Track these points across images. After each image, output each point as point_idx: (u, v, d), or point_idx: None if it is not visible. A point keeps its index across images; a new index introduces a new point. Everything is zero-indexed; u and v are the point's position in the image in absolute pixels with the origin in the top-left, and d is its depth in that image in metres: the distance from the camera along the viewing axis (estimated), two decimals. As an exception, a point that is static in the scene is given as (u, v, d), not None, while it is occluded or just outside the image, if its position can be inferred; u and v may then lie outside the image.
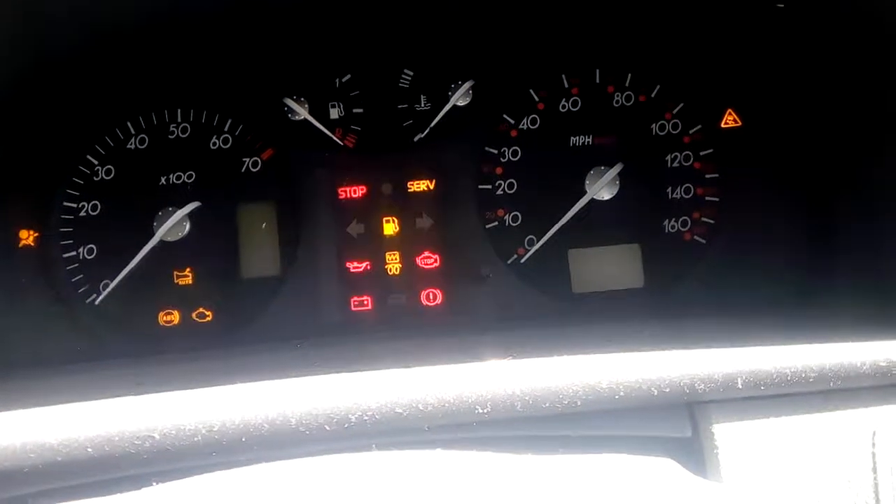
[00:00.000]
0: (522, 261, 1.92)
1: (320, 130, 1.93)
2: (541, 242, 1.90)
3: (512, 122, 1.95)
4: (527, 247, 1.92)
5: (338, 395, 1.21)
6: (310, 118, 1.92)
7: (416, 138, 1.95)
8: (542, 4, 1.83)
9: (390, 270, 1.91)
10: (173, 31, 1.78)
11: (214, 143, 1.93)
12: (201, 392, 1.24)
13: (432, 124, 1.93)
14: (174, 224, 1.85)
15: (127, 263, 1.84)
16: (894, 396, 1.27)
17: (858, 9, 1.52)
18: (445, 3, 1.85)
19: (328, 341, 1.80)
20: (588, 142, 1.94)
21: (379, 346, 1.73)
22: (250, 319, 1.87)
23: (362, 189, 1.92)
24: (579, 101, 1.95)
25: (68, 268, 1.87)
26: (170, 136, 1.92)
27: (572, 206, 1.88)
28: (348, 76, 1.95)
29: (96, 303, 1.86)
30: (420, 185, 1.93)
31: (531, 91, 1.95)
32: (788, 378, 1.24)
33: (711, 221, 1.92)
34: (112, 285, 1.85)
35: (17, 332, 1.79)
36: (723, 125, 1.92)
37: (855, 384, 1.26)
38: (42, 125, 1.85)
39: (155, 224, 1.86)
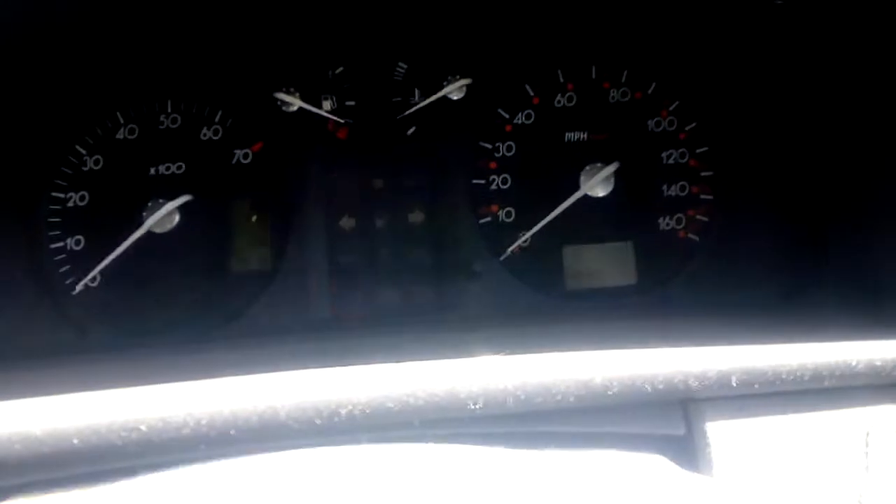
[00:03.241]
0: (515, 257, 1.91)
1: (312, 123, 1.91)
2: (530, 233, 1.89)
3: (507, 116, 1.93)
4: (520, 243, 1.91)
5: (327, 389, 1.19)
6: (306, 105, 1.90)
7: (409, 131, 1.93)
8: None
9: (382, 265, 1.90)
10: (165, 20, 1.76)
11: (205, 135, 1.91)
12: (189, 384, 1.23)
13: (414, 109, 1.91)
14: (163, 216, 1.83)
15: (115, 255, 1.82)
16: (888, 396, 1.27)
17: (860, 9, 1.52)
18: (440, -3, 1.85)
19: (318, 335, 1.79)
20: (583, 138, 1.93)
21: (369, 340, 1.72)
22: (240, 313, 1.85)
23: (354, 183, 1.91)
24: (574, 96, 1.94)
25: (55, 258, 1.85)
26: (160, 127, 1.89)
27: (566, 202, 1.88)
28: (341, 68, 1.93)
29: (83, 293, 1.84)
30: (413, 180, 1.91)
31: (526, 86, 1.94)
32: (782, 376, 1.24)
33: (705, 219, 1.92)
34: (97, 274, 1.82)
35: (2, 323, 1.77)
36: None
37: (849, 383, 1.26)
38: (30, 114, 1.83)
39: (144, 215, 1.83)
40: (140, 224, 1.82)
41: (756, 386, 1.24)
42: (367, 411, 1.18)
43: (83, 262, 1.84)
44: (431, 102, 1.91)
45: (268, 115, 1.91)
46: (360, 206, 1.90)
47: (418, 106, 1.92)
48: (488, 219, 1.92)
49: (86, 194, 1.87)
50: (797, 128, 1.84)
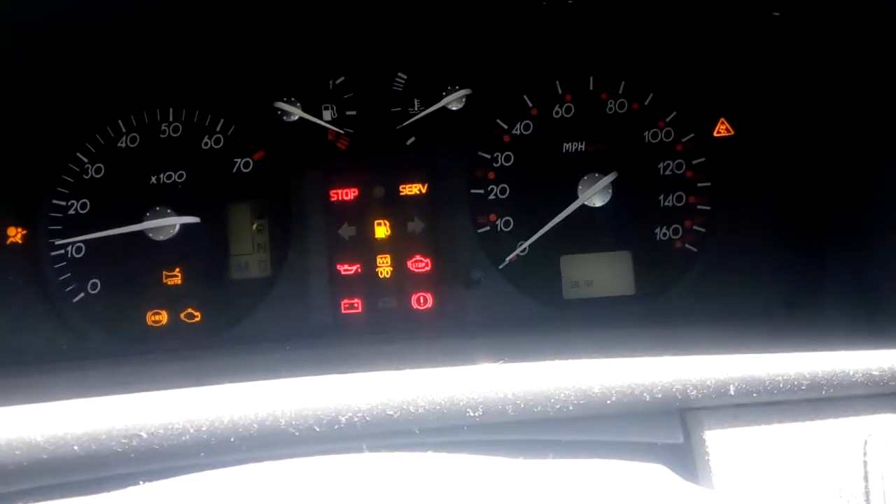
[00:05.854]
0: (514, 266, 1.91)
1: (312, 133, 1.92)
2: (528, 242, 1.89)
3: (505, 127, 1.94)
4: (518, 252, 1.91)
5: (328, 396, 1.20)
6: (306, 115, 1.91)
7: (408, 141, 1.94)
8: (538, 11, 1.83)
9: (381, 273, 1.90)
10: (167, 29, 1.77)
11: (206, 143, 1.92)
12: (189, 391, 1.23)
13: (414, 119, 1.92)
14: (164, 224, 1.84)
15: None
16: (886, 405, 1.27)
17: (856, 20, 1.53)
18: (440, 8, 1.85)
19: (318, 343, 1.79)
20: (581, 148, 1.94)
21: (369, 348, 1.72)
22: (239, 321, 1.86)
23: (354, 191, 1.92)
24: (573, 107, 1.95)
25: (56, 266, 1.85)
26: (161, 136, 1.90)
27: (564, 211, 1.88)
28: (342, 78, 1.94)
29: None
30: (412, 189, 1.92)
31: (525, 97, 1.95)
32: (781, 385, 1.24)
33: (703, 230, 1.93)
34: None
35: (2, 329, 1.77)
36: (715, 134, 1.93)
37: (847, 392, 1.26)
38: (32, 122, 1.84)
39: (145, 223, 1.84)
40: (141, 232, 1.83)
41: (754, 395, 1.24)
42: (368, 419, 1.18)
43: (83, 269, 1.85)
44: (431, 113, 1.92)
45: (269, 124, 1.92)
46: (360, 215, 1.91)
47: (418, 116, 1.93)
48: (487, 228, 1.93)
49: (87, 202, 1.87)
50: (794, 138, 1.84)
